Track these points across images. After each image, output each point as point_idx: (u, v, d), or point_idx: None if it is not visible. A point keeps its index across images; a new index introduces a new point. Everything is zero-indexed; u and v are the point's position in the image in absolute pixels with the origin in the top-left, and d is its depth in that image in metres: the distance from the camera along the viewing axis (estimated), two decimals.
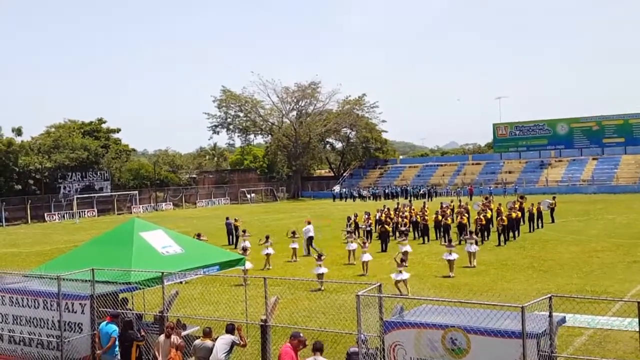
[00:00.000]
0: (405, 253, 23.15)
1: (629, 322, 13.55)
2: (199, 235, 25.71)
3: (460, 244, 24.42)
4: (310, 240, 28.50)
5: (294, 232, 27.29)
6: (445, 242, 24.58)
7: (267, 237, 25.71)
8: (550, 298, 8.54)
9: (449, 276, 21.42)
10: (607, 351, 12.42)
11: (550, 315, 8.52)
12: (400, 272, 18.83)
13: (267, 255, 24.95)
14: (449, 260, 21.84)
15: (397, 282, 18.65)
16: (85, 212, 65.98)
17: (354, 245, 25.47)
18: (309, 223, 29.42)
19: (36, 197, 65.04)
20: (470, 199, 56.58)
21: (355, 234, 30.57)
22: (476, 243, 24.35)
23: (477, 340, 8.48)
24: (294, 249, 26.75)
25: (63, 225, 55.99)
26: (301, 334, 9.90)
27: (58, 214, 63.88)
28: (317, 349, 9.53)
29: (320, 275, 20.25)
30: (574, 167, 76.36)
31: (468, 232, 25.52)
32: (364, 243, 24.13)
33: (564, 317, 9.79)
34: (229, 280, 20.39)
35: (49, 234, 46.39)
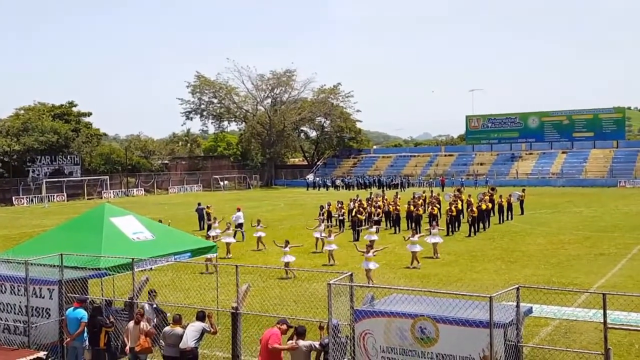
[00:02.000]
0: (372, 242, 23.12)
1: (594, 313, 13.83)
2: (159, 222, 25.54)
3: (430, 233, 24.42)
4: (240, 226, 29.39)
5: (258, 221, 27.19)
6: (416, 232, 24.46)
7: (229, 225, 25.65)
8: (517, 289, 8.66)
9: (414, 267, 21.29)
10: (572, 341, 12.65)
11: (518, 306, 8.65)
12: (367, 259, 18.63)
13: (227, 244, 24.74)
14: (413, 252, 21.59)
15: (367, 271, 18.56)
16: (55, 197, 65.10)
17: (320, 234, 25.30)
18: (239, 210, 30.69)
19: (4, 181, 63.99)
20: (442, 190, 57.04)
21: (327, 222, 30.63)
22: (447, 233, 24.38)
23: (446, 329, 8.59)
24: (259, 237, 26.52)
25: (31, 210, 55.15)
26: (287, 321, 10.03)
27: (26, 197, 62.94)
28: (300, 333, 9.73)
29: (287, 264, 20.14)
30: (544, 160, 77.36)
31: (435, 223, 25.54)
32: (330, 232, 23.58)
33: (531, 307, 9.95)
34: (200, 267, 20.35)
35: (17, 218, 45.69)
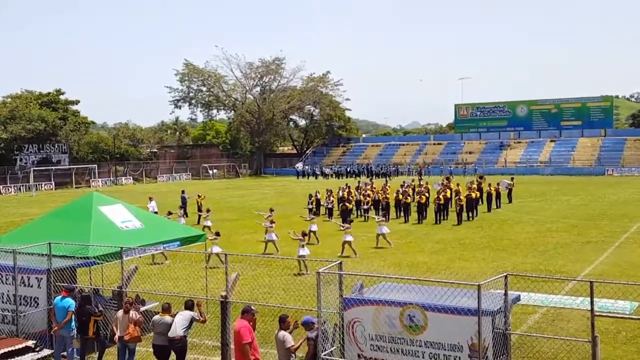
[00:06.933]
0: (313, 232, 23.36)
1: (581, 300, 13.95)
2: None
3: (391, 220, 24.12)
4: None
5: (208, 210, 27.39)
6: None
7: (208, 210, 25.77)
8: (505, 277, 8.70)
9: (381, 247, 21.55)
10: (560, 329, 12.76)
11: (506, 294, 8.69)
12: (303, 246, 19.00)
13: (207, 227, 24.62)
14: (381, 234, 21.97)
15: (300, 257, 18.42)
16: (42, 185, 64.78)
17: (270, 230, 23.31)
18: (151, 199, 31.67)
19: None
20: (420, 179, 56.82)
21: (315, 211, 30.54)
22: (412, 217, 24.07)
23: (434, 317, 8.63)
24: (207, 226, 25.67)
25: (19, 198, 54.80)
26: (252, 307, 9.89)
27: (14, 186, 62.52)
28: (282, 321, 9.62)
29: (217, 255, 18.78)
30: (532, 149, 77.69)
31: (381, 213, 25.36)
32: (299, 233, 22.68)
33: (519, 295, 10.02)
34: (189, 256, 20.28)
35: (5, 207, 45.38)
